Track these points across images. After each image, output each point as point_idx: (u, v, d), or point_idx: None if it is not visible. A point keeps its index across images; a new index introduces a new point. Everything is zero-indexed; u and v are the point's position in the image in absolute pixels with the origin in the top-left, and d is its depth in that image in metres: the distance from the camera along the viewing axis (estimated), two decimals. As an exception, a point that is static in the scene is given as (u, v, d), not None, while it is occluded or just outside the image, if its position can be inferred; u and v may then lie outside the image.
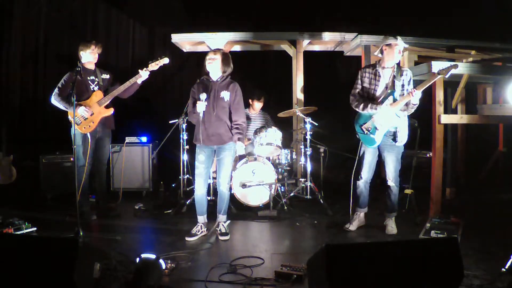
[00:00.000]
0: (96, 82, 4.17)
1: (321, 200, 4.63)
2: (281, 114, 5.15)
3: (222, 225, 3.74)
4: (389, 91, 3.58)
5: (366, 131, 3.67)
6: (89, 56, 4.11)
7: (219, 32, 5.56)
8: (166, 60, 4.02)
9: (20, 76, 5.93)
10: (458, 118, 4.51)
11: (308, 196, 4.83)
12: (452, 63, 3.50)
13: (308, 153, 4.84)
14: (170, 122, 4.89)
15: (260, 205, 4.60)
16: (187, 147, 4.88)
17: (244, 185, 4.55)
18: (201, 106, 3.56)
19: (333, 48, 6.11)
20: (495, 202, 4.86)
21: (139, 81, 4.09)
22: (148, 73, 4.05)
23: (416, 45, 4.97)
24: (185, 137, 4.85)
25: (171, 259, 2.97)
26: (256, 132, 4.79)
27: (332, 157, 5.21)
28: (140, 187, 5.44)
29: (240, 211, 4.56)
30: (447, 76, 3.42)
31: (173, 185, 5.29)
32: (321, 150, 5.05)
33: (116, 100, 4.21)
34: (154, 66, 4.03)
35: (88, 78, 4.13)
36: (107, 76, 4.28)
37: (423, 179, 4.51)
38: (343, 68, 6.84)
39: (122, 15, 6.49)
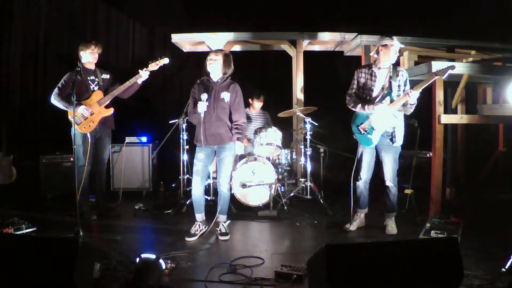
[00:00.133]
0: (96, 82, 4.17)
1: (321, 200, 4.63)
2: (281, 114, 5.15)
3: (222, 225, 3.74)
4: (386, 91, 3.58)
5: (363, 131, 3.67)
6: (89, 56, 4.12)
7: (219, 32, 5.56)
8: (166, 60, 4.02)
9: (20, 76, 5.93)
10: (458, 118, 4.51)
11: (308, 196, 4.83)
12: (450, 64, 3.50)
13: (308, 153, 4.84)
14: (170, 122, 4.89)
15: (260, 205, 4.60)
16: (187, 147, 4.88)
17: (244, 185, 4.55)
18: (202, 107, 3.56)
19: (333, 48, 6.12)
20: (495, 202, 4.86)
21: (139, 81, 4.10)
22: (148, 73, 4.06)
23: (416, 45, 4.96)
24: (185, 137, 4.85)
25: (171, 259, 2.97)
26: (256, 132, 4.80)
27: (332, 157, 5.21)
28: (140, 187, 5.44)
29: (240, 211, 4.56)
30: (444, 77, 3.42)
31: (173, 185, 5.29)
32: (321, 150, 5.05)
33: (116, 100, 4.21)
34: (154, 66, 4.03)
35: (88, 78, 4.13)
36: (107, 76, 4.28)
37: (423, 179, 4.51)
38: (343, 68, 6.82)
39: (122, 15, 6.49)
